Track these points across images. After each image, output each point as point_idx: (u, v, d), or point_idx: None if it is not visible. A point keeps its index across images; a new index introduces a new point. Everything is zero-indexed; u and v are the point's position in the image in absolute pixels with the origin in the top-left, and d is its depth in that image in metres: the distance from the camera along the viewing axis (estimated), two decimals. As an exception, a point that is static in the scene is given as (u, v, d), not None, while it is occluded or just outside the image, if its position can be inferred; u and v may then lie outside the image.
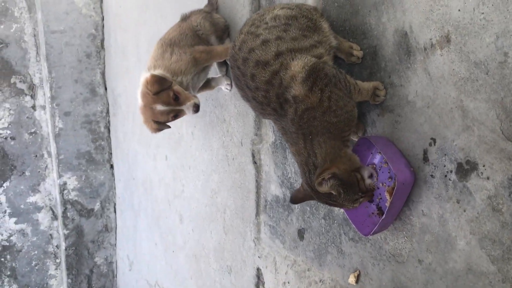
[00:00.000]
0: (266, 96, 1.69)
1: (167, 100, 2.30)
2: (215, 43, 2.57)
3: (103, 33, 4.85)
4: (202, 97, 2.93)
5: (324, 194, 1.65)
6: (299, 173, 2.14)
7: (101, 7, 4.79)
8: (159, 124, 2.40)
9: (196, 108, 2.36)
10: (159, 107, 2.31)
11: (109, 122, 5.02)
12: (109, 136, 5.06)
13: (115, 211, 5.22)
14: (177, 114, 2.37)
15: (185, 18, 2.66)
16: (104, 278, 5.36)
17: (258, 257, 2.69)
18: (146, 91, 2.29)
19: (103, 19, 4.82)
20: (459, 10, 1.49)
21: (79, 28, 4.75)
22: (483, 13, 1.43)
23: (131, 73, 4.22)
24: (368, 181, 1.66)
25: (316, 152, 1.64)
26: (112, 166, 5.12)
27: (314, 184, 1.63)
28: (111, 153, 5.09)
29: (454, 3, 1.50)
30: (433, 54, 1.60)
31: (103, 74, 4.94)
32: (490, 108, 1.45)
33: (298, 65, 1.65)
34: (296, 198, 1.83)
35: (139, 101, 2.37)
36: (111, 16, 4.61)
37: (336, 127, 1.65)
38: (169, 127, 2.47)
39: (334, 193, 1.62)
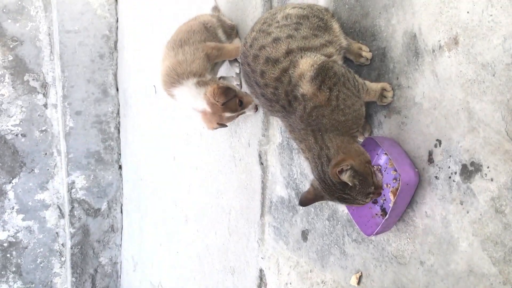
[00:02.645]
0: (275, 93, 1.71)
1: (234, 108, 2.41)
2: (222, 37, 2.61)
3: (116, 35, 4.90)
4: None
5: (338, 188, 1.62)
6: (309, 171, 2.15)
7: (116, 9, 4.84)
8: (221, 125, 2.52)
9: (256, 107, 2.51)
10: (227, 115, 2.43)
11: (119, 123, 5.06)
12: (118, 137, 5.10)
13: (121, 212, 5.24)
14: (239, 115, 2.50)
15: (192, 19, 2.71)
16: (108, 278, 5.37)
17: (262, 258, 2.70)
18: (214, 102, 2.37)
19: (117, 21, 4.87)
20: (467, 12, 1.51)
21: (93, 28, 4.80)
22: (491, 15, 1.44)
23: (143, 75, 4.25)
24: (379, 176, 1.67)
25: (328, 145, 1.64)
26: (120, 167, 5.15)
27: (329, 176, 1.62)
28: (120, 154, 5.13)
29: (463, 5, 1.52)
30: (441, 56, 1.61)
31: (115, 75, 4.99)
32: (496, 110, 1.46)
33: (306, 63, 1.66)
34: (306, 199, 1.78)
35: (206, 107, 2.42)
36: (125, 18, 4.66)
37: (344, 125, 1.66)
38: (226, 125, 2.57)
39: (350, 184, 1.59)
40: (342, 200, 1.68)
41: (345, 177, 1.58)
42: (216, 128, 2.52)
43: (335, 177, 1.60)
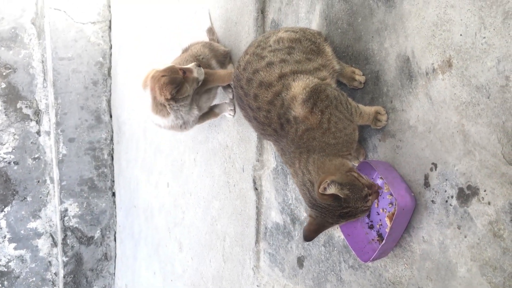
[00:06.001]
0: (268, 116, 1.69)
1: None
2: (216, 68, 2.60)
3: (110, 61, 4.91)
4: (206, 124, 2.94)
5: (335, 207, 1.57)
6: (302, 199, 2.12)
7: (109, 36, 4.86)
8: (170, 78, 2.32)
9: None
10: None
11: (112, 149, 5.03)
12: (112, 164, 5.06)
13: (115, 240, 5.18)
14: (184, 71, 2.35)
15: (185, 50, 2.71)
16: (101, 308, 5.29)
17: (257, 286, 2.65)
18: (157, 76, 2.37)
19: (111, 48, 4.88)
20: (461, 35, 1.50)
21: (87, 55, 4.81)
22: (484, 38, 1.43)
23: (136, 102, 4.24)
24: (365, 177, 1.61)
25: (309, 169, 1.61)
26: (114, 194, 5.11)
27: (319, 200, 1.57)
28: (113, 181, 5.09)
29: (456, 28, 1.51)
30: (435, 79, 1.60)
31: (108, 101, 4.98)
32: (491, 132, 1.44)
33: (298, 86, 1.65)
34: (310, 232, 1.69)
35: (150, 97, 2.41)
36: (119, 45, 4.67)
37: (333, 148, 1.64)
38: (181, 78, 2.35)
39: (341, 196, 1.53)
40: (345, 215, 1.60)
41: (332, 190, 1.53)
42: (170, 86, 2.32)
43: (323, 199, 1.56)
